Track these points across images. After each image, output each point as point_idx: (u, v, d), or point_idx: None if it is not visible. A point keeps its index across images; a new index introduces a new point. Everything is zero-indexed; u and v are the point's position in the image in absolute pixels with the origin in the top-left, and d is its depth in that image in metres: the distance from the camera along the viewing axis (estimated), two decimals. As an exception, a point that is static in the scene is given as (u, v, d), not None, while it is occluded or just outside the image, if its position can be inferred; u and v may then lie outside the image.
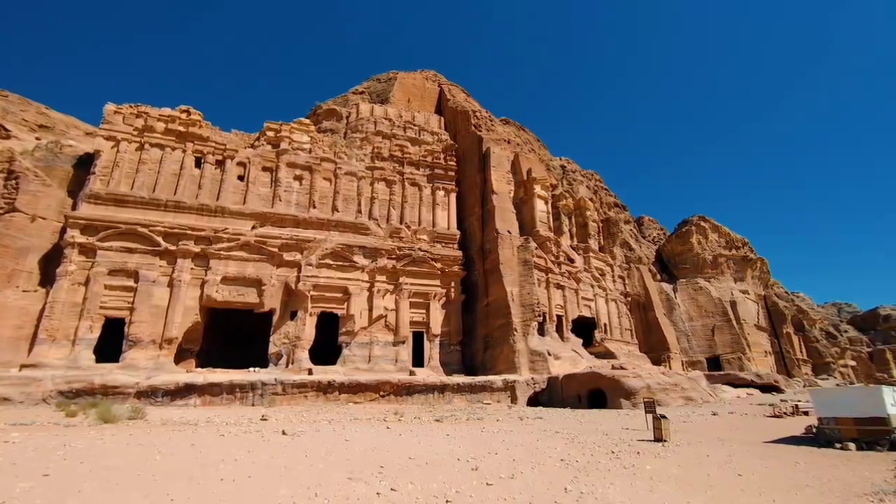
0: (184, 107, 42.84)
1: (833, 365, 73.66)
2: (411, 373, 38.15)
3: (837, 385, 59.81)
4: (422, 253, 45.08)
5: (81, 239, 34.76)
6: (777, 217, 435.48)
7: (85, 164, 39.10)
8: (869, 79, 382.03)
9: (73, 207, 36.56)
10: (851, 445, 14.33)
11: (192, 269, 37.30)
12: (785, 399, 36.93)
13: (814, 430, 16.63)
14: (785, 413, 25.71)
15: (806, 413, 24.79)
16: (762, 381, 51.86)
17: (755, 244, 76.65)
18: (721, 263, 69.12)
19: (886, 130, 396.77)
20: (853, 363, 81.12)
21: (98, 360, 32.55)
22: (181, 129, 41.31)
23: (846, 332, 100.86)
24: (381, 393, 33.36)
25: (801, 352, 71.92)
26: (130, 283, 35.37)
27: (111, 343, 33.89)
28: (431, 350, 42.78)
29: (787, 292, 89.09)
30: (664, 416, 16.91)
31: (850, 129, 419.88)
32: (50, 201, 36.35)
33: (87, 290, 34.01)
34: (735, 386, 49.10)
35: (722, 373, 54.64)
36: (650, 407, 19.60)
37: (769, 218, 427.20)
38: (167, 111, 41.88)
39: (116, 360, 33.11)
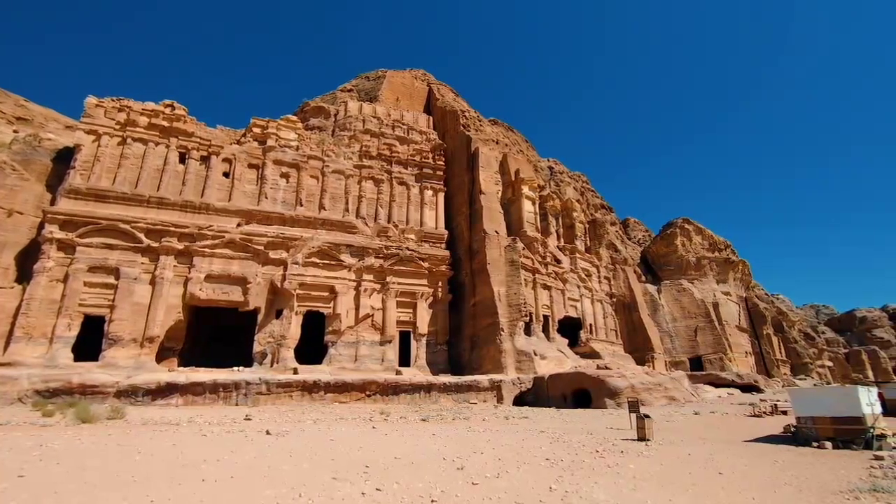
0: (168, 101, 42.11)
1: (811, 365, 75.42)
2: (398, 372, 38.05)
3: (815, 385, 61.24)
4: (409, 252, 44.98)
5: (60, 235, 33.95)
6: (759, 219, 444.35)
7: (64, 158, 38.18)
8: (839, 82, 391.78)
9: (52, 202, 35.69)
10: (828, 444, 14.66)
11: (175, 266, 36.68)
12: (764, 399, 37.62)
13: (792, 429, 16.98)
14: (764, 413, 26.22)
15: (784, 413, 25.31)
16: (743, 381, 52.87)
17: (737, 246, 78.20)
18: (704, 265, 70.24)
19: (863, 135, 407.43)
20: (830, 364, 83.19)
21: (77, 359, 31.80)
22: (165, 123, 40.59)
23: (824, 333, 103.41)
24: (368, 392, 33.21)
25: (781, 352, 73.47)
26: (111, 280, 34.64)
27: (90, 341, 33.14)
28: (418, 350, 42.71)
29: (767, 294, 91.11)
30: (647, 416, 17.12)
31: (832, 133, 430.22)
32: (28, 196, 35.40)
33: (65, 287, 33.23)
34: (716, 386, 49.97)
35: (704, 373, 55.57)
36: (634, 406, 19.83)
37: (751, 220, 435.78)
38: (151, 105, 41.13)
39: (96, 359, 32.38)
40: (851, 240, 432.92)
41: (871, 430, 14.38)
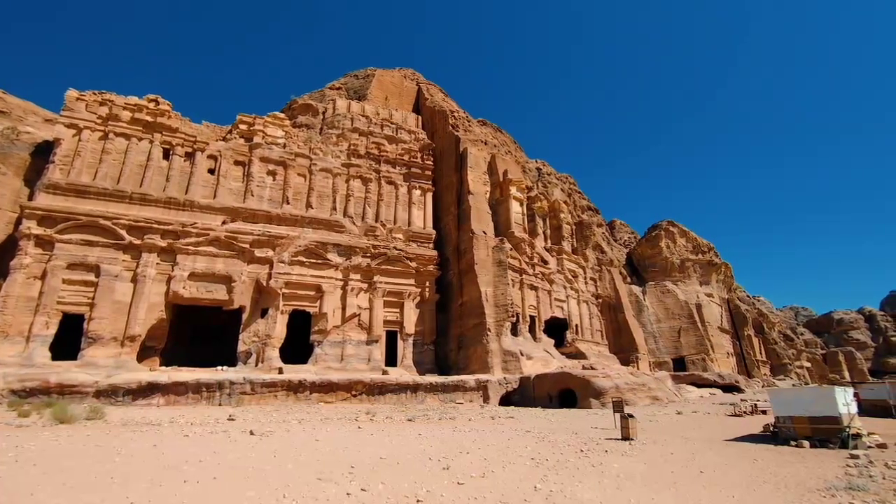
0: (152, 96, 41.33)
1: (790, 366, 77.03)
2: (384, 372, 37.92)
3: (793, 385, 62.52)
4: (397, 252, 44.83)
5: (38, 230, 33.11)
6: (742, 221, 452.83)
7: (43, 152, 37.28)
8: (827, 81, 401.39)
9: (30, 197, 34.80)
10: (805, 443, 14.98)
11: (157, 263, 36.02)
12: (745, 399, 38.25)
13: (771, 428, 17.32)
14: (745, 412, 26.68)
15: (764, 412, 25.79)
16: (724, 381, 53.69)
17: (720, 249, 79.54)
18: (688, 267, 71.29)
19: (837, 141, 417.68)
20: (808, 364, 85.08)
21: (55, 358, 31.04)
22: (148, 118, 39.84)
23: (802, 334, 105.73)
24: (354, 392, 33.01)
25: (761, 353, 74.91)
26: (91, 277, 33.89)
27: (69, 340, 32.38)
28: (405, 349, 42.60)
29: (748, 296, 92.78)
30: (631, 416, 17.30)
31: (811, 140, 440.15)
32: (4, 190, 34.52)
33: (43, 284, 32.41)
34: (699, 386, 50.67)
35: (687, 373, 56.31)
36: (618, 406, 20.03)
37: (734, 222, 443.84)
38: (134, 100, 40.33)
39: (74, 358, 31.65)
40: (831, 243, 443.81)
41: (847, 430, 14.73)
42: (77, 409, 21.14)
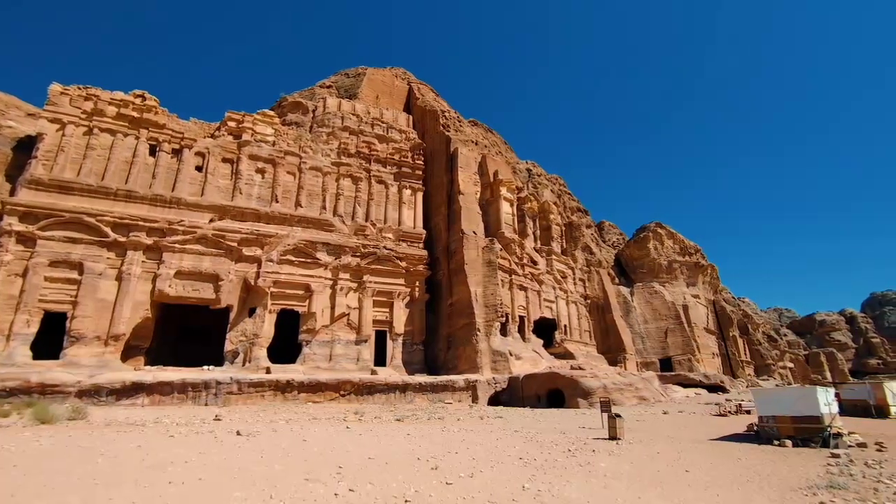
0: (138, 91, 40.68)
1: (773, 366, 78.39)
2: (373, 372, 37.79)
3: (777, 386, 63.56)
4: (387, 251, 44.70)
5: (20, 227, 32.43)
6: (728, 223, 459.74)
7: (26, 147, 36.51)
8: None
9: (12, 193, 34.05)
10: (788, 442, 15.24)
11: (143, 261, 35.48)
12: (730, 399, 38.78)
13: (755, 428, 17.58)
14: (729, 412, 27.05)
15: (748, 412, 26.15)
16: (709, 381, 54.40)
17: (706, 251, 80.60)
18: (675, 269, 72.07)
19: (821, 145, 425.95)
20: (791, 365, 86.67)
21: (36, 357, 30.41)
22: (135, 114, 39.20)
23: (786, 335, 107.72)
24: (342, 392, 32.86)
25: (745, 354, 76.10)
26: (74, 275, 33.27)
27: (51, 339, 31.77)
28: (394, 349, 42.50)
29: (734, 297, 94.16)
30: (619, 416, 17.45)
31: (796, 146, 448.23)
32: (-15, 185, 33.69)
33: (24, 281, 31.74)
34: (685, 386, 51.28)
35: (673, 373, 56.95)
36: (606, 406, 20.19)
37: (721, 222, 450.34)
38: (120, 95, 39.67)
39: (56, 357, 31.03)
40: (815, 245, 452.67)
41: (829, 429, 15.01)
42: (59, 409, 20.76)
